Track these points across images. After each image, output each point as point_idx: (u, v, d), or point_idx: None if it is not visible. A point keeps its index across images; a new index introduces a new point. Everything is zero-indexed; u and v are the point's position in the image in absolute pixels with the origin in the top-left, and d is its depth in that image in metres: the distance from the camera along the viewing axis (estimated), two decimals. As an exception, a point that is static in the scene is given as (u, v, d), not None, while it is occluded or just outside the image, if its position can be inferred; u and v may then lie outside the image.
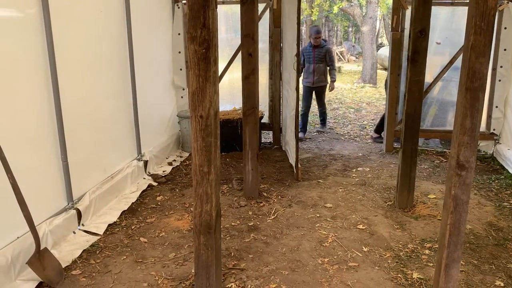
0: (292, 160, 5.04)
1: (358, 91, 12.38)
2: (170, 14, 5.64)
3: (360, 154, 5.89)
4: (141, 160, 4.77)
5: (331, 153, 5.94)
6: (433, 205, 4.12)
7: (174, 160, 5.44)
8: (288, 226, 3.75)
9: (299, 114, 5.96)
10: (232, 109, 5.85)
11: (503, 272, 3.08)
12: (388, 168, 5.24)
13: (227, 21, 5.96)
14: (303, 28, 21.82)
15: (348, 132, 7.25)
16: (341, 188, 4.61)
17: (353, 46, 28.38)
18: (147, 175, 4.82)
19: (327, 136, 6.99)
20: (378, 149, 6.06)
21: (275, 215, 3.97)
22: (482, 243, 3.48)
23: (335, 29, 36.29)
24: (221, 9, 6.03)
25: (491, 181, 4.81)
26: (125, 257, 3.29)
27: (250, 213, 4.01)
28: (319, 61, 6.57)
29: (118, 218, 3.91)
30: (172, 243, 3.50)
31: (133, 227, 3.76)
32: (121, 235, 3.63)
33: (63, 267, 3.07)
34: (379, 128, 6.52)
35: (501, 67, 5.34)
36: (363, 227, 3.73)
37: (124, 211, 4.04)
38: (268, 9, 5.67)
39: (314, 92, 6.83)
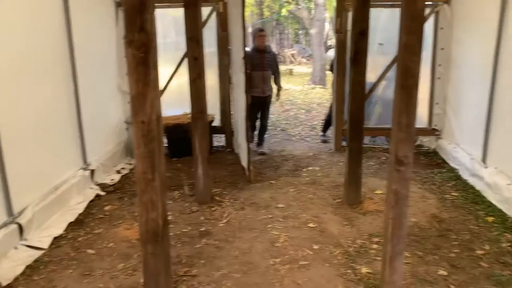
0: (244, 162, 5.04)
1: (309, 93, 12.60)
2: (114, 18, 5.49)
3: (310, 153, 5.98)
4: (88, 169, 4.60)
5: (282, 154, 6.00)
6: (380, 201, 4.24)
7: (123, 168, 5.30)
8: (240, 229, 3.74)
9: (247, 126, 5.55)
10: (182, 113, 5.77)
11: (446, 261, 3.22)
12: (337, 166, 5.36)
13: (176, 24, 5.89)
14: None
15: (299, 133, 7.36)
16: (292, 188, 4.66)
17: (303, 48, 28.88)
18: (94, 184, 4.66)
19: (279, 137, 7.06)
20: (327, 148, 6.19)
21: (228, 218, 3.95)
22: (426, 234, 3.63)
23: (286, 32, 36.85)
24: (170, 13, 5.95)
25: (434, 175, 5.03)
26: (71, 271, 3.16)
27: (202, 218, 3.97)
28: (268, 68, 5.82)
29: (64, 230, 3.75)
30: (121, 253, 3.40)
31: (80, 239, 3.62)
32: (67, 248, 3.48)
33: (3, 285, 2.90)
34: (324, 127, 6.72)
35: (439, 65, 5.60)
36: (314, 225, 3.79)
37: (70, 222, 3.88)
38: (215, 13, 5.65)
39: (262, 103, 5.96)
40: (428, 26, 5.58)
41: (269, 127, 6.68)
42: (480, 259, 3.24)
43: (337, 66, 5.71)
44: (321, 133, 6.74)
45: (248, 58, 5.32)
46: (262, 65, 5.72)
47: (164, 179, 2.57)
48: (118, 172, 5.18)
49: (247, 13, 17.96)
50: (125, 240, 3.59)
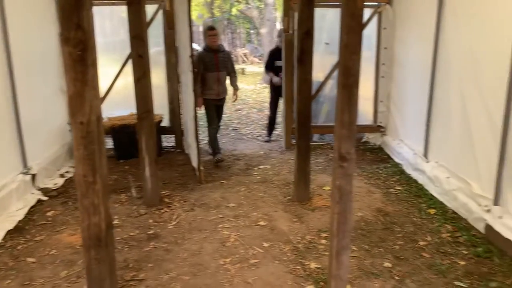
0: (194, 163, 4.98)
1: (261, 92, 12.67)
2: (54, 14, 5.24)
3: (262, 152, 6.02)
4: (28, 174, 4.37)
5: (234, 153, 5.99)
6: (328, 196, 4.33)
7: (67, 172, 5.08)
8: (190, 230, 3.69)
9: (209, 135, 5.55)
10: (129, 114, 5.62)
11: (390, 253, 3.33)
12: (287, 164, 5.41)
13: (124, 23, 5.71)
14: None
15: (251, 132, 7.38)
16: (243, 187, 4.66)
17: (255, 48, 29.04)
18: (36, 189, 4.43)
19: (230, 136, 7.05)
20: (278, 147, 6.25)
21: (177, 220, 3.88)
22: (372, 228, 3.74)
23: (238, 31, 36.89)
24: (116, 10, 5.76)
25: (379, 170, 5.20)
26: (9, 281, 2.99)
27: (151, 220, 3.88)
28: (223, 68, 5.41)
29: (2, 239, 3.54)
30: (64, 260, 3.25)
31: (19, 247, 3.43)
32: (5, 257, 3.29)
33: None
34: (269, 130, 6.76)
35: (383, 64, 5.80)
36: (264, 223, 3.81)
37: (9, 230, 3.67)
38: (161, 11, 5.55)
39: (217, 105, 5.57)
40: (372, 26, 5.77)
41: (221, 127, 6.49)
42: (422, 250, 3.38)
43: (285, 64, 5.77)
44: (266, 137, 6.77)
45: (200, 58, 5.21)
46: (216, 66, 5.30)
47: (107, 182, 2.49)
48: (62, 175, 4.96)
49: (196, 14, 17.81)
50: (69, 247, 3.45)
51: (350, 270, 3.06)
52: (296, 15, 5.37)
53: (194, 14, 18.59)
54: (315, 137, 6.58)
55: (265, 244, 3.45)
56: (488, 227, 3.44)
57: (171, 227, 3.76)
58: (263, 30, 14.02)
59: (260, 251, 3.35)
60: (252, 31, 35.49)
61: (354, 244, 3.45)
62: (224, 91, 5.49)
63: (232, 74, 5.62)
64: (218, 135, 5.86)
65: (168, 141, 6.41)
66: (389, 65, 5.75)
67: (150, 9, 5.48)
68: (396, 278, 3.00)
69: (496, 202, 3.41)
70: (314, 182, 4.66)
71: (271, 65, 6.35)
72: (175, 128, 6.02)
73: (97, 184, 2.36)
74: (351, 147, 2.47)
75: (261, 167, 5.35)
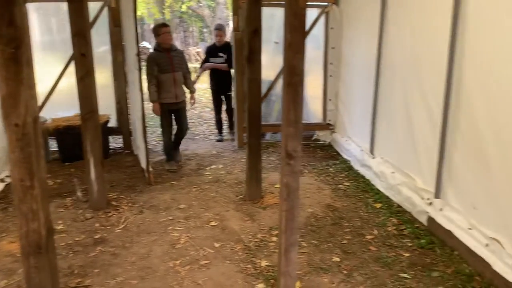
0: (144, 164, 4.86)
1: (209, 92, 12.57)
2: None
3: (214, 151, 5.98)
4: (-38, 180, 4.10)
5: (185, 153, 5.90)
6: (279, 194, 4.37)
7: (7, 176, 4.80)
8: (138, 234, 3.60)
9: (164, 143, 5.27)
10: (74, 114, 5.40)
11: (339, 248, 3.41)
12: (240, 163, 5.41)
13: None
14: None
15: (203, 131, 7.32)
16: (194, 187, 4.61)
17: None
18: (-28, 196, 4.16)
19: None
20: (231, 146, 6.24)
21: (125, 223, 3.78)
22: (321, 224, 3.81)
23: (191, 30, 36.49)
24: (61, 7, 5.50)
25: (329, 167, 5.31)
26: None
27: (97, 225, 3.75)
28: (178, 68, 4.99)
29: None
30: (4, 269, 3.08)
31: (-48, 259, 3.21)
32: None
33: None
34: (218, 128, 6.84)
35: (331, 64, 5.93)
36: (215, 224, 3.78)
37: None
38: (107, 8, 5.37)
39: (175, 110, 5.11)
40: (320, 26, 5.88)
41: (187, 132, 5.61)
42: (369, 243, 3.49)
43: (236, 64, 5.77)
44: (218, 135, 6.79)
45: (152, 59, 4.85)
46: (172, 66, 4.89)
47: (46, 186, 2.37)
48: (2, 180, 4.69)
49: (146, 12, 17.43)
50: (9, 255, 3.26)
51: (300, 266, 3.11)
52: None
53: (144, 12, 18.20)
54: (268, 136, 6.62)
55: (216, 245, 3.43)
56: (430, 219, 3.60)
57: (118, 230, 3.65)
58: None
59: (211, 252, 3.32)
60: (205, 30, 35.29)
61: (304, 240, 3.51)
62: (183, 93, 5.12)
63: (187, 75, 5.19)
64: (171, 168, 5.18)
65: (117, 142, 6.23)
66: (337, 65, 5.88)
67: (95, 6, 5.33)
68: (344, 272, 3.07)
69: (437, 195, 3.58)
70: (266, 180, 4.69)
71: (207, 62, 6.55)
72: (123, 128, 5.85)
73: (35, 189, 2.25)
74: (298, 145, 2.51)
75: (213, 166, 5.32)
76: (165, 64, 4.88)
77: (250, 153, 4.13)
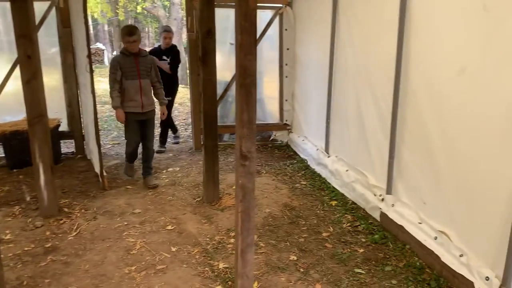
0: (97, 168, 4.72)
1: (170, 92, 12.42)
2: None
3: (170, 154, 5.90)
4: None
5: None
6: (237, 196, 4.37)
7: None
8: (92, 240, 3.49)
9: (126, 153, 4.79)
10: (21, 119, 5.17)
11: (296, 246, 3.45)
12: (197, 165, 5.37)
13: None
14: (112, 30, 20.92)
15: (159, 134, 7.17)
16: (150, 191, 4.53)
17: (166, 48, 28.45)
18: None
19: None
20: (188, 148, 6.18)
21: (78, 230, 3.65)
22: (279, 223, 3.84)
23: (146, 30, 35.88)
24: (8, 8, 5.23)
25: (286, 167, 5.37)
26: None
27: (48, 233, 3.60)
28: (145, 76, 4.46)
29: None
30: None
31: None
32: None
33: None
34: (162, 138, 6.18)
35: (286, 64, 6.00)
36: (172, 228, 3.73)
37: None
38: (54, 8, 5.18)
39: (142, 120, 4.57)
40: (274, 28, 5.93)
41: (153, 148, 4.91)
42: (325, 240, 3.55)
43: (190, 64, 5.72)
44: (159, 147, 6.08)
45: (116, 62, 4.39)
46: (138, 72, 4.40)
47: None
48: None
49: (99, 12, 16.96)
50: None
51: (258, 267, 3.12)
52: (199, 15, 5.36)
53: (97, 12, 17.71)
54: (225, 137, 6.61)
55: (173, 249, 3.38)
56: (383, 215, 3.72)
57: (71, 238, 3.53)
58: (170, 30, 13.73)
59: (167, 256, 3.27)
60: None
61: (261, 241, 3.53)
62: (151, 103, 4.54)
63: (157, 84, 4.60)
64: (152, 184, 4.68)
65: (69, 146, 6.02)
66: (292, 65, 5.96)
67: (42, 6, 5.12)
68: (301, 270, 3.11)
69: (388, 191, 3.69)
70: (224, 182, 4.68)
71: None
72: (76, 132, 5.66)
73: (-25, 198, 2.13)
74: (252, 146, 2.51)
75: (170, 169, 5.25)
76: (130, 69, 4.39)
77: (206, 155, 4.11)
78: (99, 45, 24.64)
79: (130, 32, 4.35)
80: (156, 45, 6.32)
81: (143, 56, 4.48)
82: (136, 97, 4.42)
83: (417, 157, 3.31)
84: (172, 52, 5.95)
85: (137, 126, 4.53)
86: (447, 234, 2.98)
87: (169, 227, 3.74)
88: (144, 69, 4.45)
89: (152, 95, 4.62)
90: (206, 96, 3.95)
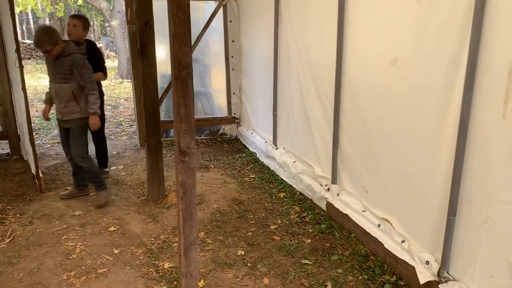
0: (34, 169, 4.45)
1: (116, 87, 12.04)
2: None
3: (114, 152, 5.68)
4: None
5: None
6: (184, 192, 4.27)
7: None
8: (27, 247, 3.28)
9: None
10: None
11: (244, 241, 3.40)
12: (142, 162, 5.20)
13: None
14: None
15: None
16: (92, 192, 4.31)
17: (111, 41, 27.52)
18: None
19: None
20: (133, 145, 5.98)
21: (12, 237, 3.42)
22: (227, 218, 3.78)
23: (92, 24, 34.58)
24: None
25: (235, 160, 5.31)
26: None
27: (-22, 241, 3.35)
28: (60, 79, 3.73)
29: None
30: None
31: None
32: None
33: None
34: (100, 162, 4.85)
35: (232, 57, 5.92)
36: (115, 229, 3.58)
37: None
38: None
39: (62, 128, 3.97)
40: (219, 19, 5.83)
41: (79, 162, 3.99)
42: (273, 233, 3.53)
43: (132, 57, 5.52)
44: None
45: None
46: (52, 74, 3.81)
47: None
48: None
49: (37, 6, 16.08)
50: None
51: (204, 264, 3.05)
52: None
53: (35, 6, 16.77)
54: (172, 132, 6.45)
55: (116, 251, 3.24)
56: (329, 205, 3.75)
57: (3, 245, 3.29)
58: (114, 23, 13.26)
59: (109, 259, 3.12)
60: (107, 24, 33.60)
61: (209, 237, 3.46)
62: (69, 111, 3.79)
63: (86, 88, 3.78)
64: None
65: (4, 147, 5.65)
66: (238, 58, 5.89)
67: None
68: (249, 265, 3.07)
69: (333, 181, 3.73)
70: (170, 179, 4.56)
71: None
72: (10, 132, 5.31)
73: None
74: (191, 141, 2.42)
75: (113, 168, 5.04)
76: (49, 71, 3.84)
77: (149, 152, 3.97)
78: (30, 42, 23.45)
79: (73, 15, 4.31)
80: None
81: (65, 55, 3.70)
82: (56, 102, 3.86)
83: (358, 147, 3.36)
84: (90, 50, 4.16)
85: (63, 133, 3.99)
86: (389, 221, 3.04)
87: (112, 228, 3.58)
88: (59, 72, 3.72)
89: (77, 101, 3.80)
90: (147, 90, 3.81)
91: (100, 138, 4.76)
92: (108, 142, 6.12)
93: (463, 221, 2.38)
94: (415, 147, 2.69)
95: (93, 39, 31.72)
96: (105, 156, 4.86)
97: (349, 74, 3.35)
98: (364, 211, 3.32)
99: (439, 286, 2.47)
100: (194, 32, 5.49)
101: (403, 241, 2.86)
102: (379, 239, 3.08)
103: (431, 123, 2.53)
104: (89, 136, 4.17)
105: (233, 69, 5.97)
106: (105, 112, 8.36)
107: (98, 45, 23.03)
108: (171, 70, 2.36)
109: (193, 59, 5.96)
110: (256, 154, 5.43)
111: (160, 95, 4.28)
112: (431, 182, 2.58)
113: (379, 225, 3.13)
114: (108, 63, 18.83)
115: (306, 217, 3.80)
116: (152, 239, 3.43)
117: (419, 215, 2.74)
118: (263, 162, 5.17)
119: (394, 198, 2.99)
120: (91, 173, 4.01)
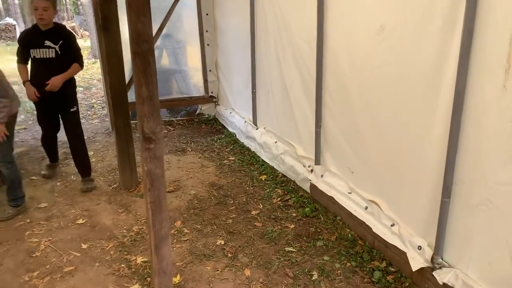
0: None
1: (89, 68, 11.52)
2: None
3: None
4: None
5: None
6: (159, 178, 4.00)
7: None
8: (-15, 246, 3.00)
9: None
10: None
11: (223, 229, 3.18)
12: (114, 147, 4.86)
13: None
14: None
15: (74, 114, 6.50)
16: (59, 181, 4.03)
17: (85, 20, 26.54)
18: None
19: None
20: (104, 129, 5.64)
21: (-32, 235, 3.13)
22: (205, 205, 3.55)
23: (64, 2, 33.30)
24: None
25: (213, 142, 5.05)
26: None
27: None
28: None
29: None
30: None
31: None
32: None
33: None
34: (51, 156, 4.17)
35: (206, 31, 5.57)
36: (83, 221, 3.31)
37: None
38: None
39: None
40: (191, -9, 5.47)
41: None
42: (255, 219, 3.32)
43: (99, 35, 5.12)
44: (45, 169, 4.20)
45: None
46: None
47: None
48: None
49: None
50: None
51: (181, 257, 2.84)
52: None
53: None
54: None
55: (84, 246, 2.99)
56: (313, 187, 3.54)
57: (-42, 246, 3.01)
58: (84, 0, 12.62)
59: (77, 256, 2.87)
60: (79, 2, 32.34)
61: (186, 226, 3.22)
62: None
63: None
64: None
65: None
66: (213, 32, 5.56)
67: None
68: (229, 255, 2.86)
69: (317, 161, 3.51)
70: (144, 164, 4.27)
71: (26, 55, 3.56)
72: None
73: None
74: (157, 125, 2.15)
75: (83, 154, 4.71)
76: None
77: (118, 136, 3.68)
78: (10, 20, 22.36)
79: None
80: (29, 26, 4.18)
81: None
82: None
83: (342, 125, 3.13)
84: (60, 36, 3.50)
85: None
86: (377, 203, 2.85)
87: (80, 221, 3.31)
88: None
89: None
90: (112, 69, 3.49)
91: (77, 139, 3.90)
92: (78, 126, 5.78)
93: (458, 203, 2.20)
94: (404, 124, 2.48)
95: (66, 18, 30.54)
96: (85, 162, 3.94)
97: (331, 47, 3.10)
98: (350, 193, 3.12)
99: (433, 273, 2.29)
100: (165, 5, 5.16)
101: (392, 225, 2.68)
102: (366, 223, 2.89)
103: (422, 97, 2.31)
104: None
105: (208, 45, 5.63)
106: (78, 94, 7.99)
107: (71, 25, 21.97)
108: (130, 45, 2.07)
109: (165, 34, 5.59)
110: (235, 135, 5.17)
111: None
112: (422, 162, 2.38)
113: (366, 208, 2.94)
114: (81, 42, 18.10)
115: (289, 200, 3.59)
116: (124, 231, 3.18)
117: (410, 197, 2.54)
118: (243, 143, 4.92)
119: (382, 179, 2.79)
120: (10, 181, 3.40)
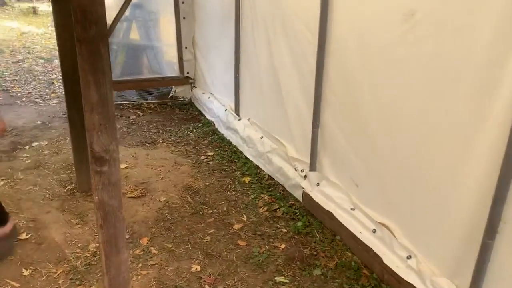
0: None
1: (52, 36, 10.49)
2: None
3: (39, 122, 4.61)
4: None
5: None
6: (124, 178, 3.40)
7: None
8: None
9: None
10: None
11: (199, 250, 2.64)
12: (73, 136, 4.22)
13: None
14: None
15: (29, 92, 5.73)
16: (3, 179, 3.36)
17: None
18: None
19: (-1, 101, 5.32)
20: (63, 112, 4.90)
21: None
22: (178, 216, 2.98)
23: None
24: None
25: (189, 132, 4.44)
26: None
27: None
28: None
29: None
30: None
31: None
32: None
33: None
34: None
35: (183, 2, 4.86)
36: (28, 236, 2.70)
37: None
38: None
39: None
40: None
41: None
42: (237, 236, 2.79)
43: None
44: None
45: None
46: None
47: None
48: None
49: None
50: None
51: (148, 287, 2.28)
52: None
53: None
54: (131, 94, 5.43)
55: (25, 272, 2.39)
56: (306, 196, 3.01)
57: None
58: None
59: (14, 286, 2.27)
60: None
61: (154, 245, 2.66)
62: None
63: None
64: None
65: None
66: (190, 4, 4.85)
67: None
68: (206, 287, 2.32)
69: (312, 167, 2.97)
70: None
71: None
72: None
73: None
74: (112, 141, 1.56)
75: (35, 144, 4.02)
76: None
77: (72, 129, 3.05)
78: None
79: None
80: None
81: None
82: None
83: (346, 126, 2.59)
84: None
85: None
86: (388, 227, 2.34)
87: (24, 236, 2.69)
88: None
89: None
90: (64, 48, 2.81)
91: None
92: (33, 108, 5.07)
93: (504, 245, 1.71)
94: (431, 135, 1.96)
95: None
96: None
97: (338, 32, 2.51)
98: (353, 210, 2.61)
99: (466, 330, 1.82)
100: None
101: (409, 257, 2.19)
102: (374, 250, 2.39)
103: (461, 105, 1.78)
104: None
105: (184, 18, 4.92)
106: (36, 68, 7.16)
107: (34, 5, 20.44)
108: (74, 29, 1.44)
109: (135, 4, 4.77)
110: (214, 124, 4.57)
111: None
112: (456, 186, 1.87)
113: (374, 231, 2.44)
114: (45, 7, 16.82)
115: (277, 210, 3.06)
116: (78, 250, 2.59)
117: (434, 226, 2.05)
118: (223, 134, 4.32)
119: (396, 197, 2.28)
120: None
